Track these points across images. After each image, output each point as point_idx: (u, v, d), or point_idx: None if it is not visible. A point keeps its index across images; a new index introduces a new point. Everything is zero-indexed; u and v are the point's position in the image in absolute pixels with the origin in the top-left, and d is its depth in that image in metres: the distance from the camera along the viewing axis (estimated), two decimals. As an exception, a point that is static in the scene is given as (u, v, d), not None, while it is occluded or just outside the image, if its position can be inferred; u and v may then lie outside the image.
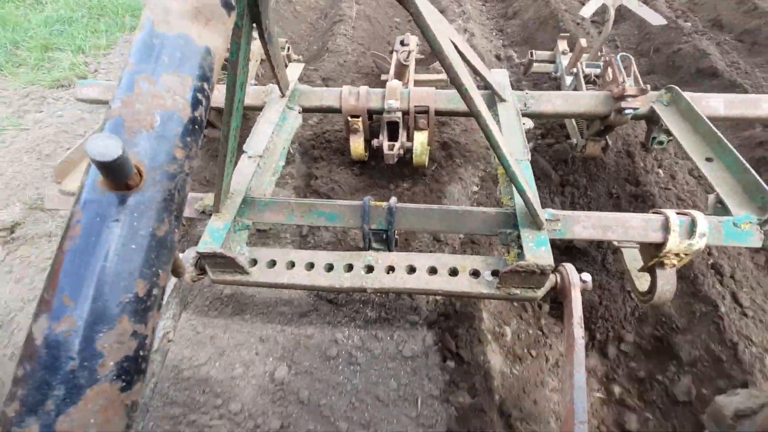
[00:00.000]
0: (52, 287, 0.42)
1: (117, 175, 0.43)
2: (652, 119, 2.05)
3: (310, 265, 1.53)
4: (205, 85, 0.53)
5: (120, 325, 0.43)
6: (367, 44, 3.99)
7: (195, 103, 0.52)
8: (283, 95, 2.10)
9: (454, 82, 0.97)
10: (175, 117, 0.49)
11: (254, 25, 1.06)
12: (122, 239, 0.43)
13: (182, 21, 0.51)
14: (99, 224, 0.43)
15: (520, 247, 1.41)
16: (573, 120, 2.52)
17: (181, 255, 1.54)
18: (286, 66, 3.06)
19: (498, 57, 4.03)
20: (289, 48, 3.09)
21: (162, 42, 0.50)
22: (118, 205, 0.44)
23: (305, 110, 2.21)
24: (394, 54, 2.57)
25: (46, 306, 0.41)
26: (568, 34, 2.96)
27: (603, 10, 2.58)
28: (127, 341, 0.44)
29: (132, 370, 0.45)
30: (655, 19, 2.54)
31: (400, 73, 2.44)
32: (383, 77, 2.90)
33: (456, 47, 1.62)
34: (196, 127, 0.52)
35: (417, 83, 2.63)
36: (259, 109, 2.14)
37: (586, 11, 2.56)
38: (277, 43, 1.40)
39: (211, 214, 1.57)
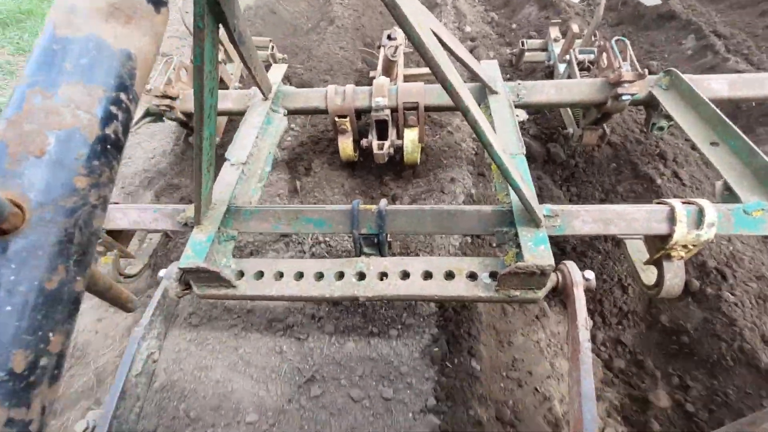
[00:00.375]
0: None
1: None
2: (651, 104, 1.97)
3: (299, 275, 1.46)
4: (123, 96, 0.44)
5: None
6: (361, 10, 4.44)
7: (107, 118, 0.43)
8: (265, 98, 2.03)
9: (439, 77, 0.90)
10: (76, 136, 0.41)
11: (220, 25, 0.98)
12: None
13: (92, 21, 0.43)
14: None
15: (518, 246, 1.33)
16: (568, 109, 2.44)
17: (163, 271, 1.48)
18: (273, 64, 2.99)
19: (483, 20, 4.44)
20: (273, 47, 3.01)
21: (64, 47, 0.42)
22: None
23: (290, 112, 2.13)
24: (382, 49, 2.49)
25: None
26: (560, 20, 2.87)
27: None
28: None
29: None
30: (650, 0, 2.45)
31: (388, 68, 2.36)
32: (371, 74, 2.81)
33: (441, 40, 1.54)
34: (109, 146, 0.43)
35: (407, 78, 2.55)
36: (243, 113, 2.06)
37: None
38: (250, 44, 1.32)
39: (193, 226, 1.50)
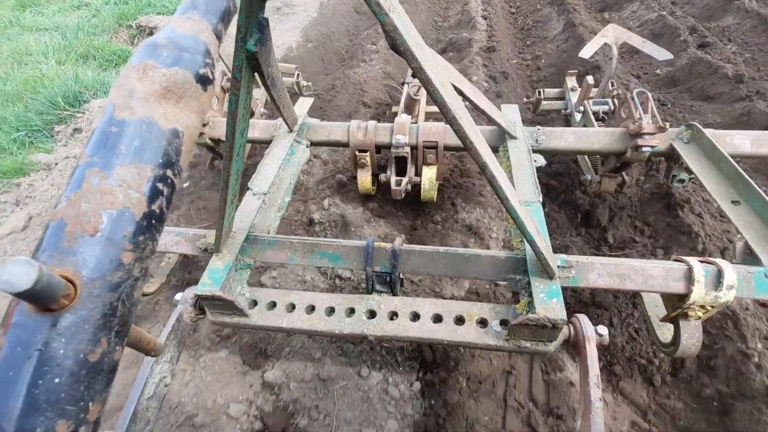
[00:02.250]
0: None
1: (37, 301, 0.38)
2: (671, 157, 1.96)
3: (311, 308, 1.48)
4: (169, 172, 0.49)
5: None
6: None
7: (153, 195, 0.48)
8: (290, 130, 2.11)
9: (459, 135, 0.93)
10: (126, 215, 0.44)
11: (255, 74, 1.04)
12: (44, 373, 0.38)
13: (147, 104, 0.47)
14: (20, 355, 0.38)
15: (531, 294, 1.33)
16: (586, 155, 2.45)
17: (179, 295, 1.52)
18: (299, 93, 3.11)
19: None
20: (299, 75, 3.14)
21: (120, 130, 0.46)
22: (45, 329, 0.39)
23: (313, 144, 2.20)
24: (405, 87, 2.57)
25: None
26: (577, 71, 2.92)
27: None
28: None
29: None
30: (662, 54, 2.49)
31: (410, 106, 2.43)
32: (394, 109, 2.90)
33: (461, 92, 1.60)
34: (153, 221, 0.47)
35: (428, 116, 2.62)
36: (268, 142, 2.15)
37: (587, 52, 2.52)
38: (281, 86, 1.39)
39: (212, 252, 1.55)
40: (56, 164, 3.12)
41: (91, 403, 0.40)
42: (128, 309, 0.45)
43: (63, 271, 0.41)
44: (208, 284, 1.43)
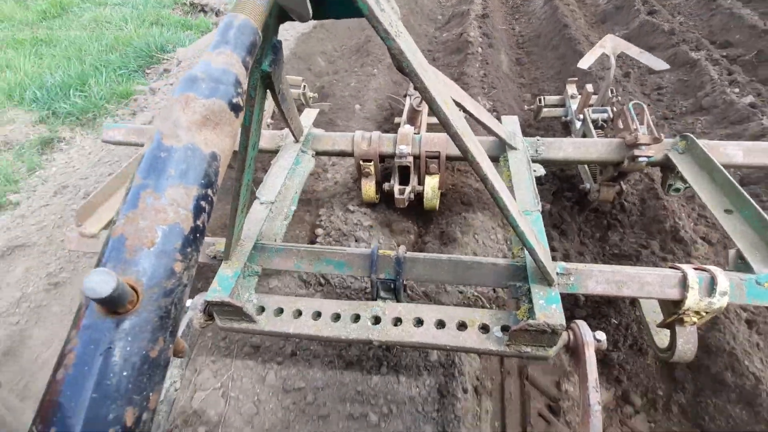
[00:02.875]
0: (43, 421, 0.42)
1: (112, 306, 0.44)
2: (667, 166, 2.02)
3: (317, 314, 1.52)
4: (209, 191, 0.55)
5: None
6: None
7: (198, 212, 0.53)
8: (297, 141, 2.17)
9: (461, 149, 0.99)
10: (176, 230, 0.50)
11: (267, 91, 1.10)
12: (114, 367, 0.43)
13: (190, 132, 0.54)
14: (92, 352, 0.43)
15: (531, 301, 1.38)
16: (585, 165, 2.51)
17: (190, 301, 1.56)
18: (306, 104, 3.18)
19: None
20: (305, 87, 3.21)
21: (169, 155, 0.52)
22: (113, 330, 0.44)
23: (318, 154, 2.26)
24: (407, 99, 2.64)
25: None
26: (577, 78, 2.99)
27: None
28: None
29: None
30: (658, 65, 2.56)
31: (413, 117, 2.49)
32: (396, 120, 2.96)
33: (462, 106, 1.66)
34: (198, 235, 0.53)
35: (430, 127, 2.68)
36: (274, 152, 2.20)
37: (585, 63, 2.59)
38: (290, 99, 1.45)
39: (222, 260, 1.60)
40: (159, 89, 4.47)
41: (151, 393, 0.46)
42: (179, 312, 0.51)
43: (127, 280, 0.46)
44: (217, 291, 1.47)
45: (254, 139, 1.13)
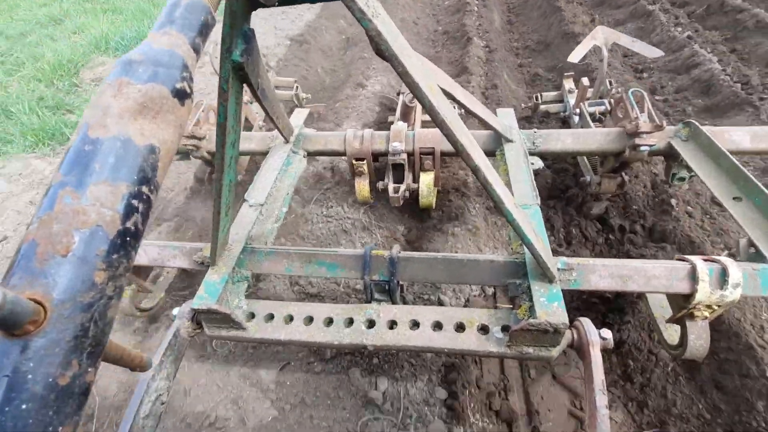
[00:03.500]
0: None
1: (5, 326, 0.37)
2: (670, 155, 1.94)
3: (309, 319, 1.46)
4: (145, 188, 0.48)
5: None
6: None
7: (128, 213, 0.47)
8: (287, 141, 2.11)
9: (450, 140, 0.92)
10: (99, 234, 0.43)
11: (244, 84, 1.04)
12: (11, 400, 0.36)
13: (122, 121, 0.47)
14: None
15: (531, 299, 1.31)
16: (585, 157, 2.43)
17: (176, 309, 1.50)
18: (300, 105, 3.12)
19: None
20: (297, 88, 3.16)
21: (94, 148, 0.46)
22: (13, 354, 0.37)
23: (310, 154, 2.20)
24: (400, 96, 2.58)
25: None
26: (573, 73, 2.92)
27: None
28: None
29: None
30: (652, 52, 2.49)
31: (406, 114, 2.43)
32: (390, 118, 2.90)
33: (453, 97, 1.59)
34: (128, 238, 0.46)
35: (424, 124, 2.61)
36: (265, 154, 2.15)
37: (576, 56, 2.52)
38: (273, 97, 1.39)
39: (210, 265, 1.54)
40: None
41: (60, 428, 0.39)
42: (101, 329, 0.44)
43: (32, 294, 0.40)
44: (204, 298, 1.41)
45: (232, 137, 1.07)
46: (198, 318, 1.48)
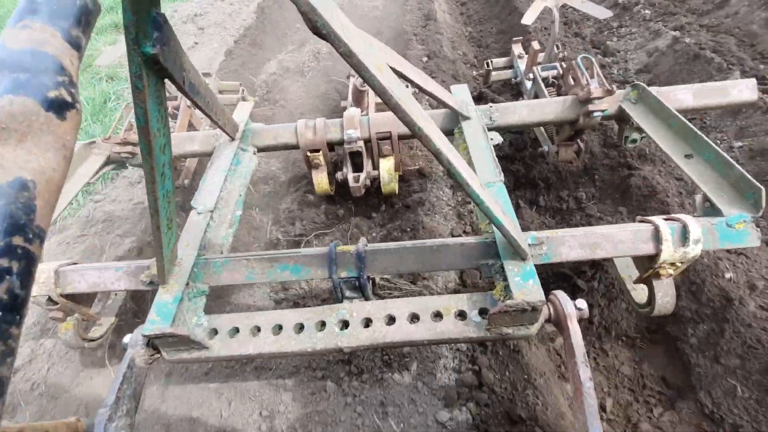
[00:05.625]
0: None
1: None
2: (622, 118, 1.97)
3: (278, 328, 1.36)
4: (17, 240, 0.35)
5: None
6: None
7: None
8: (232, 139, 1.95)
9: (407, 123, 0.84)
10: None
11: (166, 80, 0.90)
12: None
13: None
14: None
15: (506, 278, 1.28)
16: (542, 127, 2.44)
17: (128, 337, 1.35)
18: (239, 103, 2.92)
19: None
20: (243, 90, 2.98)
21: None
22: None
23: (260, 150, 2.06)
24: (351, 79, 2.46)
25: None
26: (521, 38, 2.91)
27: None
28: None
29: None
30: (601, 13, 2.51)
31: (359, 99, 2.32)
32: (342, 104, 2.78)
33: (404, 76, 1.51)
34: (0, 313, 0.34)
35: (379, 107, 2.52)
36: (211, 155, 1.98)
37: (528, 18, 2.50)
38: (206, 92, 1.25)
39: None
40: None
41: None
42: None
43: None
44: (156, 321, 1.28)
45: (161, 141, 0.94)
46: (154, 343, 1.34)
